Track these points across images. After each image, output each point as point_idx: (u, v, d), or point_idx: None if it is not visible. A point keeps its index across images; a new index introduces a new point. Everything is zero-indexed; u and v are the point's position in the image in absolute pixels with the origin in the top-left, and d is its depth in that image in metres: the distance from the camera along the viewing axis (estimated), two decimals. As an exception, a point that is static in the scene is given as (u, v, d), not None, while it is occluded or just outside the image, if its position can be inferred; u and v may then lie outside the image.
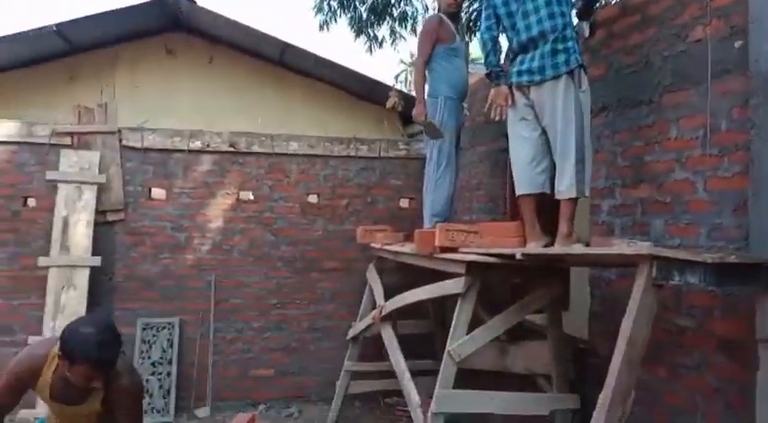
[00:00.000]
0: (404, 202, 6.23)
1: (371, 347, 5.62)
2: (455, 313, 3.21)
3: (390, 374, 5.60)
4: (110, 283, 5.55)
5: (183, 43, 6.52)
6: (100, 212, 5.46)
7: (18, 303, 5.44)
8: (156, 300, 5.65)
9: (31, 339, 5.06)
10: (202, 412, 5.48)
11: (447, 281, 3.45)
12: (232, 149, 5.79)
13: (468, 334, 3.19)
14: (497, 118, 3.39)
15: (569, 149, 2.99)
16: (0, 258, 5.42)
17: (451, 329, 3.19)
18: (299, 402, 5.85)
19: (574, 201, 3.04)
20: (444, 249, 3.36)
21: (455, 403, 3.16)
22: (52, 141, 5.47)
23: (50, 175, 5.30)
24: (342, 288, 6.04)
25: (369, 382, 5.61)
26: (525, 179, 3.24)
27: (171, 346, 5.59)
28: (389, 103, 5.74)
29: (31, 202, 5.53)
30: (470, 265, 3.17)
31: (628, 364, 2.15)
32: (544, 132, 3.18)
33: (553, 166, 3.17)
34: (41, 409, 4.95)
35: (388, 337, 4.29)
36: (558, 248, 2.99)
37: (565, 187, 3.02)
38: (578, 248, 2.88)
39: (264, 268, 5.89)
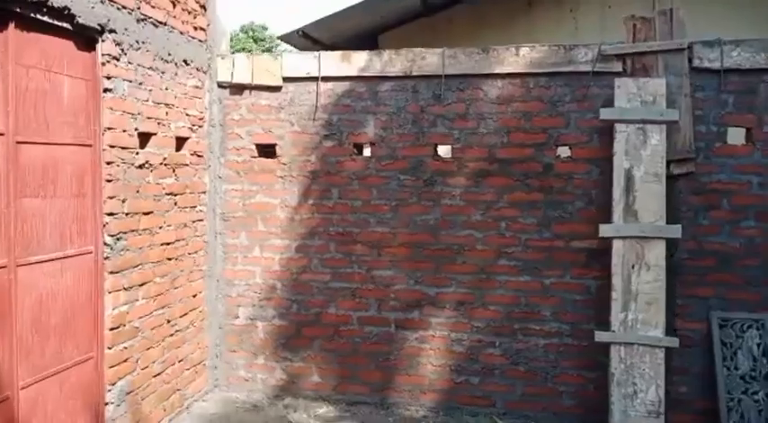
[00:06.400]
0: None
1: None
2: None
3: None
4: (670, 260, 4.02)
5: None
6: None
7: (549, 282, 4.26)
8: (736, 286, 4.00)
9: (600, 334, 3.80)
10: (829, 456, 3.71)
11: None
12: None
13: None
14: None
15: None
16: (528, 224, 4.27)
17: None
18: None
19: None
20: None
21: None
22: (597, 68, 4.09)
23: (605, 113, 3.91)
24: None
25: None
26: None
27: (764, 353, 3.90)
28: None
29: (563, 150, 4.27)
30: None
31: None
32: None
33: None
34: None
35: None
36: None
37: None
38: None
39: None
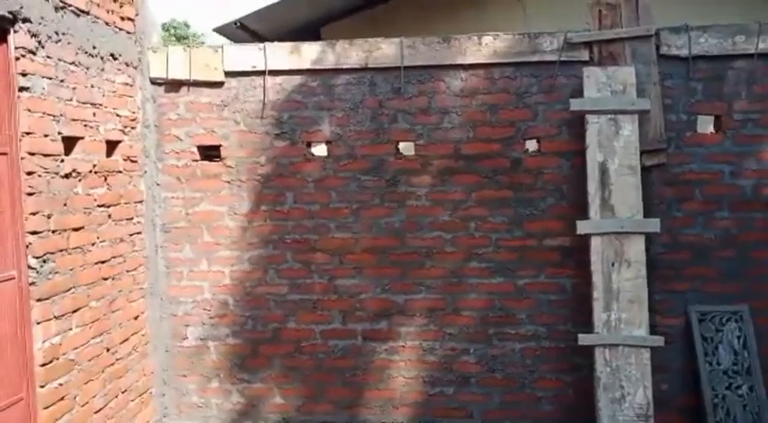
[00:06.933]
0: None
1: None
2: None
3: None
4: (647, 255, 3.88)
5: None
6: (633, 154, 3.80)
7: (523, 283, 4.04)
8: (712, 278, 3.90)
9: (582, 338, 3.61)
10: (813, 447, 3.66)
11: None
12: (829, 47, 3.74)
13: None
14: None
15: None
16: (498, 223, 4.04)
17: None
18: None
19: None
20: None
21: None
22: (564, 57, 3.89)
23: (576, 103, 3.72)
24: None
25: None
26: None
27: (744, 346, 3.82)
28: None
29: (531, 144, 4.06)
30: None
31: None
32: None
33: None
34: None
35: None
36: None
37: None
38: None
39: None
